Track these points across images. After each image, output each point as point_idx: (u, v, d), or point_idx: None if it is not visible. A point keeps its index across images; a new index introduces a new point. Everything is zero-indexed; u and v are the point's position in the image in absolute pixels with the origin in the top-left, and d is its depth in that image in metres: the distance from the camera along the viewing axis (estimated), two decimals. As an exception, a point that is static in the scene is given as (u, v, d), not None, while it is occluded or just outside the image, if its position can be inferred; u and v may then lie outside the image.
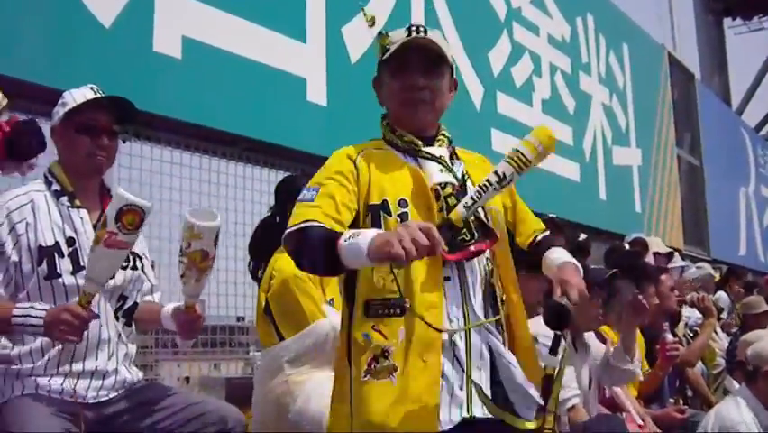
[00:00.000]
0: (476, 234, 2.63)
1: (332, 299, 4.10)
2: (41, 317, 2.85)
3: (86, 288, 2.86)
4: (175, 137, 5.13)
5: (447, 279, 2.60)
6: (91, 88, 3.27)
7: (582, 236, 6.93)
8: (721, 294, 10.01)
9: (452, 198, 2.63)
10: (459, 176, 2.74)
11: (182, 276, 2.99)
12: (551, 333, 4.37)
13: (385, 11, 6.55)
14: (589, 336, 4.68)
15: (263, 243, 4.16)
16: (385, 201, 2.60)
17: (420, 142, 2.74)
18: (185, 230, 2.93)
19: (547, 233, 2.97)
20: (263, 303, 4.00)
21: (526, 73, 8.83)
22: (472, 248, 2.61)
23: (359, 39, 6.18)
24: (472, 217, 2.63)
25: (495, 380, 2.62)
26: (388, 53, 2.69)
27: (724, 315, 9.36)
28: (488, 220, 2.70)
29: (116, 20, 4.61)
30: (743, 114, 27.06)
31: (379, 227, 2.54)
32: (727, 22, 31.24)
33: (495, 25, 8.34)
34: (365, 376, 2.52)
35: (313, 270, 2.71)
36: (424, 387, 2.48)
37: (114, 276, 3.05)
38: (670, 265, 8.05)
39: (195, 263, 2.93)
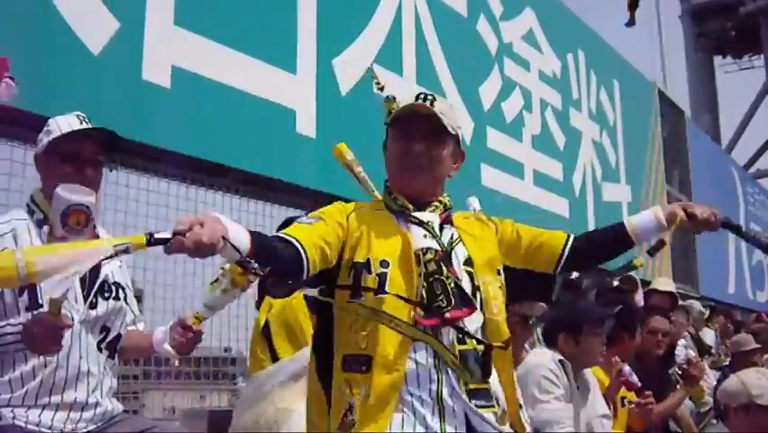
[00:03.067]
0: (453, 301, 2.64)
1: None
2: (17, 333, 2.85)
3: (51, 293, 2.78)
4: (162, 167, 5.09)
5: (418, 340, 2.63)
6: (77, 116, 3.23)
7: (574, 274, 6.92)
8: (707, 331, 10.01)
9: (432, 263, 2.67)
10: (445, 242, 2.77)
11: (213, 282, 3.08)
12: (552, 365, 4.39)
13: (375, 46, 6.56)
14: (591, 378, 4.67)
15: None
16: (368, 260, 2.65)
17: (411, 207, 2.80)
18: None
19: (572, 236, 3.05)
20: (261, 324, 4.00)
21: (517, 108, 8.83)
22: (448, 315, 2.63)
23: (349, 71, 6.19)
24: (452, 285, 2.66)
25: None
26: (391, 117, 2.80)
27: (713, 351, 9.36)
28: (475, 292, 2.72)
29: (105, 47, 4.58)
30: (732, 151, 27.24)
31: (359, 284, 2.64)
32: (718, 60, 31.61)
33: (486, 60, 8.36)
34: (337, 429, 2.59)
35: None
36: None
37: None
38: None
39: (234, 273, 3.03)
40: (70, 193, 2.73)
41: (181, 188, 5.26)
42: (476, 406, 2.61)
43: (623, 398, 5.16)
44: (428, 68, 7.16)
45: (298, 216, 4.63)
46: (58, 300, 2.77)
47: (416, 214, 2.79)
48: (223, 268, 3.10)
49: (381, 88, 2.94)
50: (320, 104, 5.94)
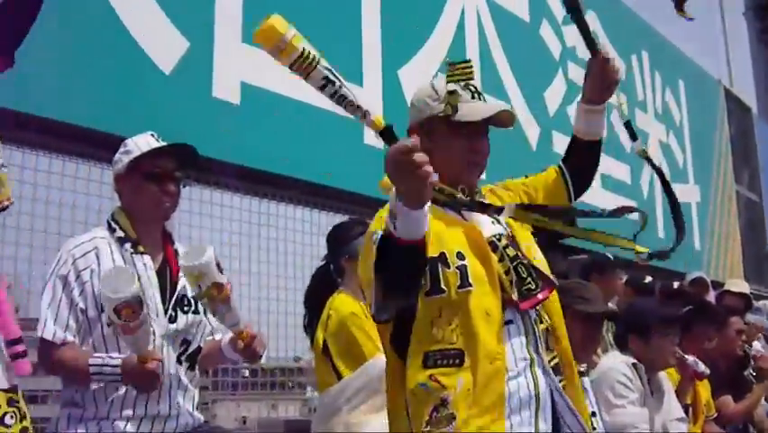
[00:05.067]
0: (539, 283, 2.67)
1: None
2: (117, 366, 2.93)
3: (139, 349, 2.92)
4: (234, 181, 5.18)
5: (510, 322, 2.63)
6: (152, 135, 3.31)
7: (648, 279, 6.88)
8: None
9: (510, 248, 2.69)
10: (504, 224, 2.79)
11: (214, 314, 3.08)
12: (625, 369, 4.35)
13: (442, 49, 6.61)
14: (665, 381, 4.63)
15: (319, 292, 4.19)
16: (443, 254, 2.60)
17: (461, 195, 2.74)
18: (186, 277, 3.00)
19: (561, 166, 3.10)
20: (321, 343, 4.03)
21: (582, 112, 8.78)
22: (540, 296, 2.67)
23: (415, 81, 6.22)
24: (531, 266, 2.69)
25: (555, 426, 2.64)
26: (461, 115, 2.69)
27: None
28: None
29: (176, 67, 4.71)
30: (802, 148, 26.72)
31: (438, 280, 2.56)
32: (784, 55, 30.98)
33: (550, 65, 8.35)
34: (426, 427, 2.51)
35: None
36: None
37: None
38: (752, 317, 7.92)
39: (215, 298, 2.97)
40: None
41: (253, 201, 5.37)
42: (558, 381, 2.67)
43: (708, 415, 5.13)
44: (493, 74, 7.18)
45: (346, 222, 4.63)
46: (147, 354, 2.90)
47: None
48: (204, 304, 3.14)
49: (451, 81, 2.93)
50: (387, 115, 5.92)
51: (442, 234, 2.64)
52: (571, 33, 8.83)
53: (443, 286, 2.56)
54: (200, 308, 3.34)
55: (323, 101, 5.52)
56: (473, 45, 7.06)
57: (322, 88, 2.15)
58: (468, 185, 2.79)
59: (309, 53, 2.07)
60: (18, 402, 2.56)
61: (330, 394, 3.94)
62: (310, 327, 4.25)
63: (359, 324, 3.91)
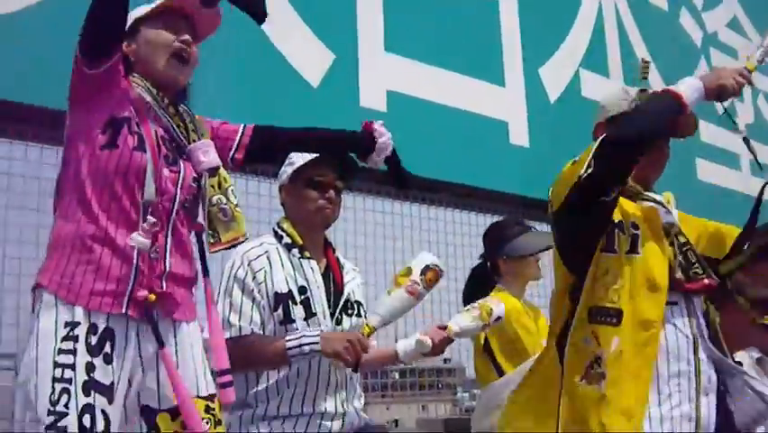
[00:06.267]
0: (707, 271, 2.76)
1: None
2: (315, 335, 3.05)
3: (371, 321, 3.14)
4: (384, 187, 5.29)
5: (674, 303, 2.74)
6: None
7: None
8: None
9: (681, 236, 2.81)
10: (676, 220, 2.90)
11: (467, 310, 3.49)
12: (748, 367, 4.25)
13: (582, 44, 6.60)
14: None
15: (476, 290, 4.23)
16: (621, 222, 2.76)
17: (641, 187, 2.91)
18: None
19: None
20: (482, 340, 4.08)
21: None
22: (706, 281, 2.75)
23: (556, 79, 6.25)
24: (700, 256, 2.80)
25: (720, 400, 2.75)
26: None
27: None
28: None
29: (323, 79, 4.87)
30: None
31: (613, 240, 2.74)
32: None
33: (692, 52, 8.22)
34: (581, 380, 2.65)
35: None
36: (634, 400, 2.60)
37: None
38: None
39: (484, 309, 3.54)
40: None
41: (404, 205, 5.50)
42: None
43: None
44: (634, 67, 7.13)
45: (501, 221, 4.69)
46: (373, 328, 3.13)
47: (649, 193, 2.92)
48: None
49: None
50: (531, 113, 6.04)
51: (624, 207, 2.80)
52: (712, 19, 8.69)
53: (615, 247, 2.73)
54: (361, 311, 3.45)
55: (467, 103, 5.63)
56: (613, 38, 7.02)
57: None
58: (649, 182, 2.96)
59: None
60: (214, 410, 2.64)
61: (494, 388, 3.98)
62: None
63: (520, 320, 3.98)
